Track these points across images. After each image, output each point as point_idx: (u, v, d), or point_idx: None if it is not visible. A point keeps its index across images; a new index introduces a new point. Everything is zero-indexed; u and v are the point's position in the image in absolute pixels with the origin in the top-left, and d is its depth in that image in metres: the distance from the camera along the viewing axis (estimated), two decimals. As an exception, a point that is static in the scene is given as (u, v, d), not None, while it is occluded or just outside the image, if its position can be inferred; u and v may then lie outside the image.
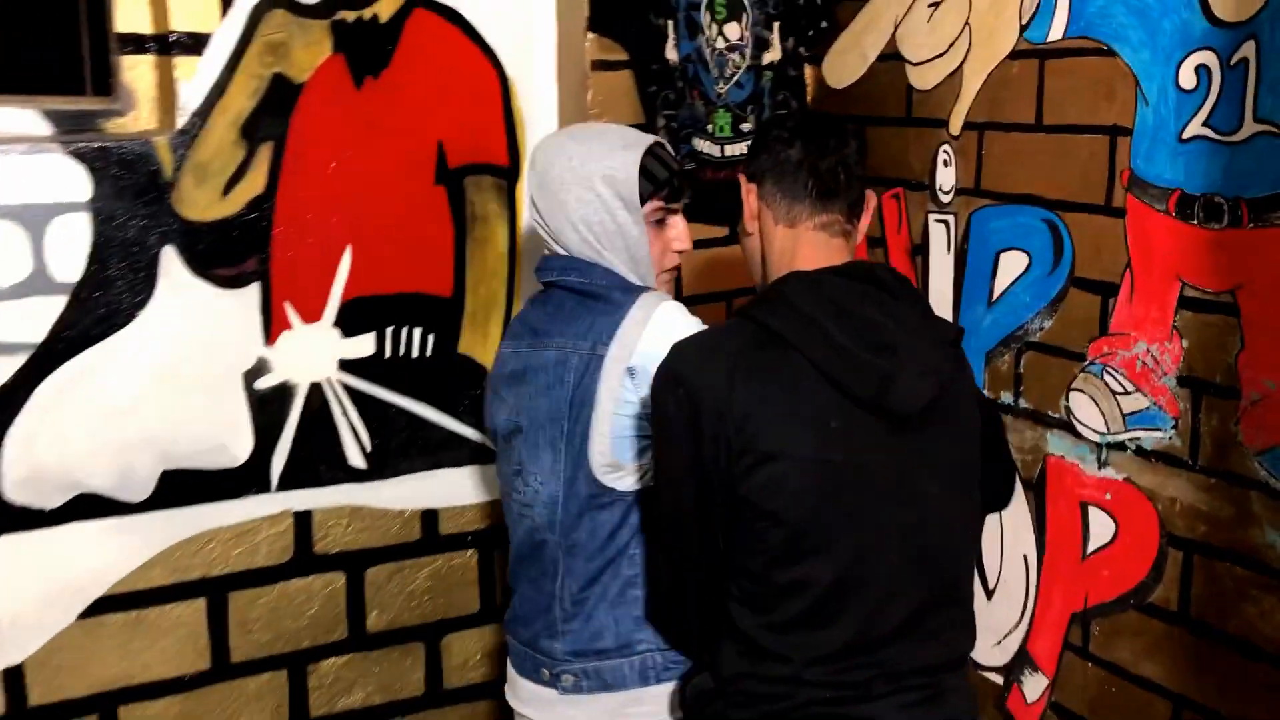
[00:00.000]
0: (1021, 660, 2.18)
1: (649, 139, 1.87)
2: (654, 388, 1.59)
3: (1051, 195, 2.05)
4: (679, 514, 1.59)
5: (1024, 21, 2.08)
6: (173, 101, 2.09)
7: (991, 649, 2.23)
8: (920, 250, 2.37)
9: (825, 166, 1.61)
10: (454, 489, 2.49)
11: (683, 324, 1.76)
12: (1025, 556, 2.18)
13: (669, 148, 1.90)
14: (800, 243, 1.62)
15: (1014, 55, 2.10)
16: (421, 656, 2.50)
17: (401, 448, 2.39)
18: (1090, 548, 2.05)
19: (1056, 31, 2.02)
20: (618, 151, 1.82)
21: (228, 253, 2.16)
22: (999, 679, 2.22)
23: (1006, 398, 2.18)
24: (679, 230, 1.90)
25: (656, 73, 2.43)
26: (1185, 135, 1.82)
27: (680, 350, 1.59)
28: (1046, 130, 2.05)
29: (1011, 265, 2.14)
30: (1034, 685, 2.15)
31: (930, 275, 2.35)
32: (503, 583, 2.53)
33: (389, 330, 2.35)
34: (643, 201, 1.81)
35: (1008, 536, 2.21)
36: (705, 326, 1.74)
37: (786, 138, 1.63)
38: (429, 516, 2.48)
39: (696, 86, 2.48)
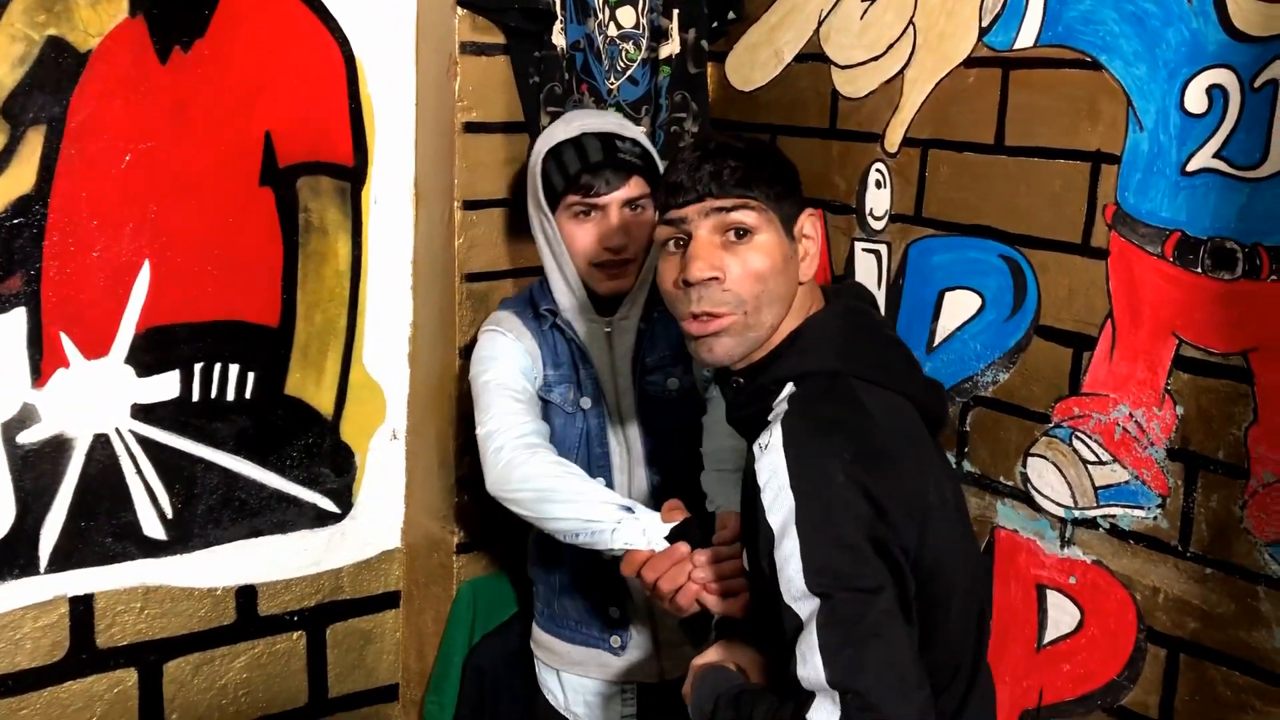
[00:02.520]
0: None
1: (590, 124, 1.86)
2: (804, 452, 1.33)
3: (1013, 229, 1.90)
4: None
5: (985, 24, 1.91)
6: (-99, 68, 1.88)
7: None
8: (843, 282, 2.19)
9: None
10: (277, 561, 2.30)
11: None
12: (964, 641, 1.99)
13: (623, 133, 1.86)
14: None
15: (970, 63, 1.93)
16: (237, 767, 2.32)
17: (212, 512, 2.22)
18: (1047, 637, 1.91)
19: (1026, 37, 1.85)
20: (542, 141, 1.88)
21: (-19, 269, 1.95)
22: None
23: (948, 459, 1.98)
24: (610, 224, 1.84)
25: (540, 60, 2.12)
26: (1190, 167, 1.67)
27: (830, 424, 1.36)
28: (1009, 152, 1.89)
29: (959, 306, 1.99)
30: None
31: (854, 312, 2.12)
32: (338, 668, 2.39)
33: (197, 367, 2.15)
34: (560, 195, 1.84)
35: (942, 616, 2.02)
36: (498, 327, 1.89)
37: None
38: (246, 594, 2.28)
39: (586, 79, 2.14)
